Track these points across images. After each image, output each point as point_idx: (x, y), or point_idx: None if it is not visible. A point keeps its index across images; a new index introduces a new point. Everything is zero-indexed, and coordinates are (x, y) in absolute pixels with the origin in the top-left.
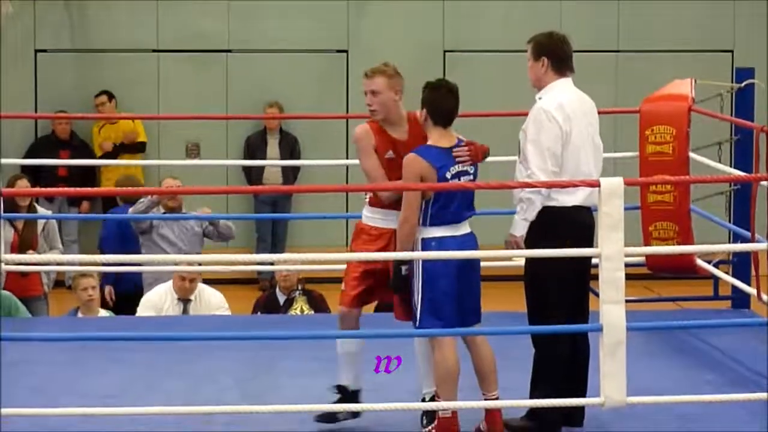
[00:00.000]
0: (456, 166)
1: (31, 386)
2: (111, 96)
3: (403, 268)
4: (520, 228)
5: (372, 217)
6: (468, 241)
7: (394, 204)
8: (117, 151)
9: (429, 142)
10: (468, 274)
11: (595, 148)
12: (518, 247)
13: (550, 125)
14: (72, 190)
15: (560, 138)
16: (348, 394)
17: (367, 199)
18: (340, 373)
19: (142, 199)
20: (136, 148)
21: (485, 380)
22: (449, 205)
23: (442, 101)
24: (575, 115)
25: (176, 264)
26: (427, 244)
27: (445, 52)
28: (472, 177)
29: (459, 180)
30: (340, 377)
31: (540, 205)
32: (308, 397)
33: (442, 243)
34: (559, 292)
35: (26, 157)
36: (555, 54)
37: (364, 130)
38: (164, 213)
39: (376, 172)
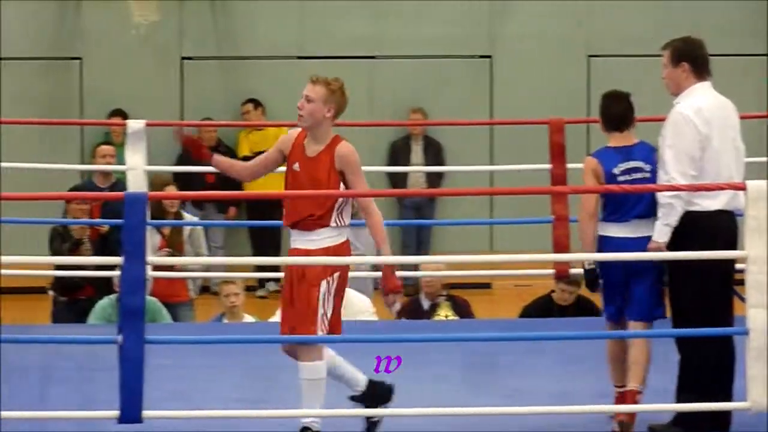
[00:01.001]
0: (627, 163)
1: (173, 390)
2: (257, 104)
3: (586, 263)
4: (663, 234)
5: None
6: (636, 245)
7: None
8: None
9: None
10: (629, 276)
11: (736, 151)
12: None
13: (688, 129)
14: (214, 193)
15: (699, 142)
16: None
17: None
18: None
19: None
20: None
21: (628, 371)
22: (621, 204)
23: (608, 108)
24: (714, 118)
25: None
26: (598, 241)
27: (588, 56)
28: (648, 174)
29: (630, 176)
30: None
31: (681, 210)
32: (446, 402)
33: (608, 242)
34: (703, 296)
35: (176, 165)
36: (695, 58)
37: (289, 134)
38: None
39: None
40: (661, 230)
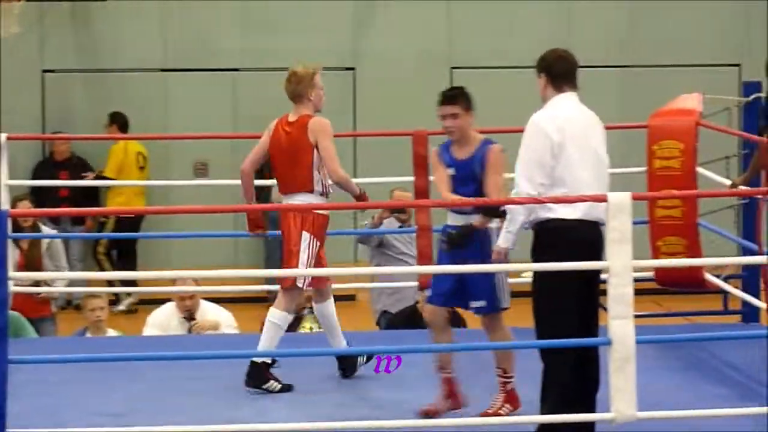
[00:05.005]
0: None
1: (39, 406)
2: (113, 121)
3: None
4: (505, 240)
5: None
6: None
7: None
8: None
9: None
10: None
11: (598, 162)
12: (504, 259)
13: (538, 136)
14: (75, 210)
15: (549, 149)
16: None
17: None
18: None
19: (365, 222)
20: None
21: None
22: None
23: None
24: (571, 127)
25: (174, 281)
26: None
27: (452, 68)
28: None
29: None
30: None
31: (524, 218)
32: (310, 416)
33: None
34: (565, 306)
35: (32, 178)
36: (552, 70)
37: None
38: (399, 226)
39: None
40: (504, 236)
